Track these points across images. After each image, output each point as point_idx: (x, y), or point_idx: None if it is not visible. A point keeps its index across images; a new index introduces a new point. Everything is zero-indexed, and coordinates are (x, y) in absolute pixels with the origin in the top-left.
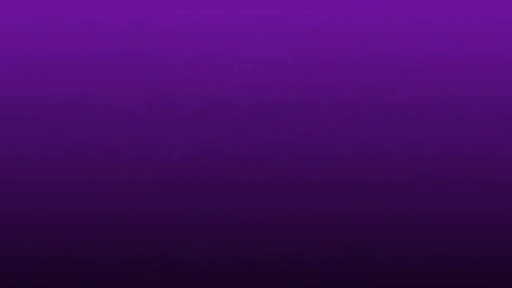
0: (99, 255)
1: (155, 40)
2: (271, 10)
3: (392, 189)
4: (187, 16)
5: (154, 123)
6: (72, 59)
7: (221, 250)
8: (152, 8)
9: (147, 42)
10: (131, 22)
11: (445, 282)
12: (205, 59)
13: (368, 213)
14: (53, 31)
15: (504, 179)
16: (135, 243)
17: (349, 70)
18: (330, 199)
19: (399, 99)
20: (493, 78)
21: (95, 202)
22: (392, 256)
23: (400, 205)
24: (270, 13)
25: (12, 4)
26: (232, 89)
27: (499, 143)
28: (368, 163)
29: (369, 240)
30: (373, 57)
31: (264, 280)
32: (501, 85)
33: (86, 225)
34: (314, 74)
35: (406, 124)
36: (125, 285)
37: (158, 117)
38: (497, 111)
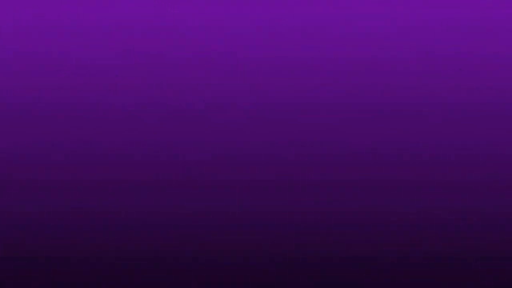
0: (99, 255)
1: (155, 40)
2: (271, 10)
3: (393, 189)
4: (187, 16)
5: (154, 123)
6: (72, 59)
7: (221, 250)
8: (152, 8)
9: (147, 42)
10: (131, 22)
11: (445, 282)
12: (206, 59)
13: (368, 213)
14: (53, 31)
15: (504, 179)
16: (134, 243)
17: (349, 70)
18: (330, 199)
19: (399, 99)
20: (493, 78)
21: (95, 202)
22: (392, 256)
23: (401, 205)
24: (270, 13)
25: (12, 3)
26: (232, 89)
27: (499, 143)
28: (368, 163)
29: (369, 240)
30: (372, 57)
31: (264, 280)
32: (501, 85)
33: (86, 225)
34: (314, 74)
35: (406, 124)
36: (125, 285)
37: (158, 117)
38: (497, 111)
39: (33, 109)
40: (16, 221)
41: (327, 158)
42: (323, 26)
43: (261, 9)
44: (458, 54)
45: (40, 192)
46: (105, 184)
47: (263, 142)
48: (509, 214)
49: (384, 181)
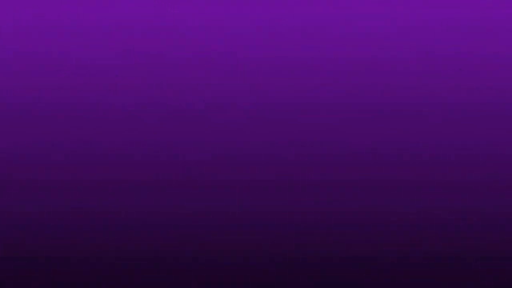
0: (99, 255)
1: (155, 40)
2: (271, 10)
3: (393, 189)
4: (187, 16)
5: (154, 123)
6: (72, 59)
7: (221, 250)
8: (152, 8)
9: (147, 42)
10: (131, 22)
11: (445, 282)
12: (206, 59)
13: (368, 213)
14: (53, 31)
15: (504, 179)
16: (134, 243)
17: (348, 70)
18: (330, 199)
19: (399, 99)
20: (493, 78)
21: (95, 202)
22: (392, 256)
23: (401, 205)
24: (270, 13)
25: (12, 4)
26: (232, 89)
27: (499, 143)
28: (368, 163)
29: (369, 240)
30: (372, 57)
31: (264, 280)
32: (502, 85)
33: (86, 225)
34: (314, 74)
35: (406, 124)
36: (125, 285)
37: (158, 117)
38: (497, 111)
39: (33, 109)
40: (16, 221)
41: (327, 158)
42: (323, 26)
43: (261, 9)
44: (458, 54)
45: (40, 192)
46: (105, 184)
47: (263, 142)
48: (509, 214)
49: (384, 181)
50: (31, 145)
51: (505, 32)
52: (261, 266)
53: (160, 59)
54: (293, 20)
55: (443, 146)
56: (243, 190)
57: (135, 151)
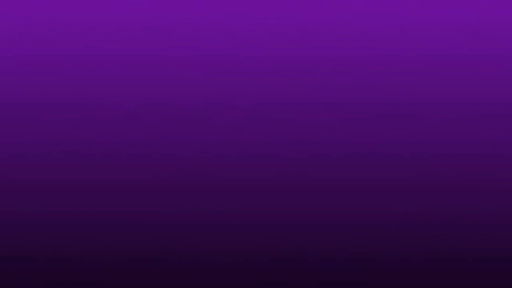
0: (99, 255)
1: (155, 40)
2: (271, 10)
3: (392, 189)
4: (187, 16)
5: (154, 123)
6: (72, 59)
7: (221, 250)
8: (152, 8)
9: (147, 42)
10: (131, 22)
11: (445, 282)
12: (205, 59)
13: (368, 213)
14: (53, 31)
15: (504, 179)
16: (134, 243)
17: (349, 70)
18: (330, 199)
19: (399, 99)
20: (493, 78)
21: (95, 202)
22: (392, 256)
23: (400, 205)
24: (270, 13)
25: (12, 4)
26: (232, 89)
27: (499, 143)
28: (368, 163)
29: (369, 240)
30: (373, 57)
31: (264, 280)
32: (502, 85)
33: (86, 225)
34: (314, 74)
35: (406, 124)
36: (125, 285)
37: (158, 117)
38: (497, 111)
39: (33, 109)
40: (16, 221)
41: (327, 158)
42: (323, 26)
43: (261, 9)
44: (458, 54)
45: (40, 192)
46: (105, 184)
47: (263, 142)
48: (509, 214)
49: (384, 181)
50: (31, 145)
51: (505, 32)
52: (261, 266)
53: (160, 59)
54: (293, 20)
55: (443, 146)
56: (243, 190)
57: (135, 151)
